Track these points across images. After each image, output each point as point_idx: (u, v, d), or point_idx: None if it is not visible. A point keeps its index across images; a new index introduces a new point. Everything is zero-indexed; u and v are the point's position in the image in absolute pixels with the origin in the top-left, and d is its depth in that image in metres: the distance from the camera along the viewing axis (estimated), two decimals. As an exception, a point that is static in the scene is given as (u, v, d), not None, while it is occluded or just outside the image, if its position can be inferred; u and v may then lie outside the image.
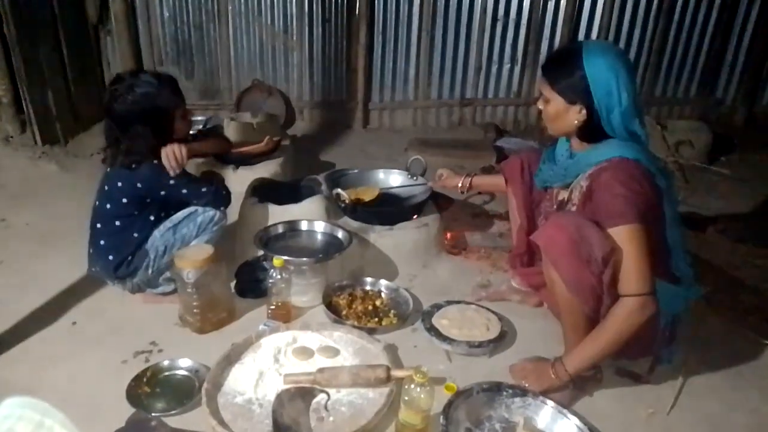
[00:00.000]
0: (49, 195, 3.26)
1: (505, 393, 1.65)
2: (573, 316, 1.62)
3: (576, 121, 1.62)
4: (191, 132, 2.38)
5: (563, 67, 1.61)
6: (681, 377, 1.84)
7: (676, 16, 5.04)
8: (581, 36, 4.98)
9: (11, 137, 3.59)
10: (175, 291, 2.13)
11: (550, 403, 1.60)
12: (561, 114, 1.64)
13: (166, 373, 1.78)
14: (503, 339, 1.96)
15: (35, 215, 2.98)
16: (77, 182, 3.35)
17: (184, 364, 1.80)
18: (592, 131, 1.62)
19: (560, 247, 1.52)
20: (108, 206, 2.08)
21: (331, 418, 1.57)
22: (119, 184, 2.04)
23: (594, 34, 4.96)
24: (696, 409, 1.74)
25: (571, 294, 1.55)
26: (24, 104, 3.56)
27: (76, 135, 4.07)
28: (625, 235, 1.49)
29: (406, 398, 1.48)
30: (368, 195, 2.53)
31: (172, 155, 2.03)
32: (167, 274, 2.15)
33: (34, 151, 3.62)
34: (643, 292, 1.50)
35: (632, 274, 1.50)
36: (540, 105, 1.70)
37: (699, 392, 1.81)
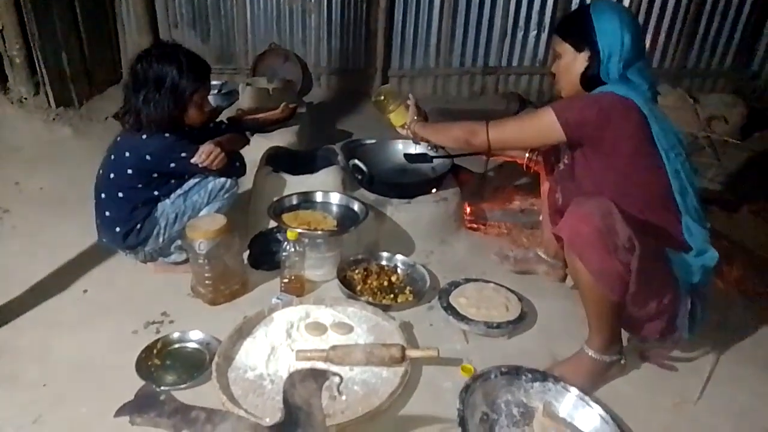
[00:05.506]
0: (63, 159, 3.22)
1: (524, 377, 1.60)
2: (599, 304, 1.55)
3: (582, 69, 1.66)
4: (217, 120, 2.37)
5: (572, 18, 1.73)
6: (709, 365, 1.77)
7: (715, -17, 4.78)
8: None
9: (25, 99, 3.53)
10: (187, 260, 2.09)
11: (573, 390, 1.54)
12: (570, 65, 1.69)
13: (177, 346, 1.75)
14: (523, 320, 1.89)
15: (49, 180, 2.95)
16: (91, 146, 3.30)
17: (195, 337, 1.77)
18: (592, 79, 1.65)
19: (585, 238, 1.47)
20: (111, 176, 2.03)
21: (343, 397, 1.53)
22: (127, 154, 1.99)
23: (626, 0, 4.72)
24: (724, 399, 1.67)
25: (598, 284, 1.49)
26: (37, 65, 3.49)
27: (90, 98, 4.01)
28: (538, 111, 1.66)
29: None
30: (321, 224, 2.14)
31: (210, 155, 1.98)
32: (179, 242, 2.10)
33: (48, 113, 3.57)
34: (487, 127, 1.73)
35: (504, 121, 1.75)
36: (553, 68, 1.77)
37: (728, 381, 1.73)
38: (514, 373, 1.61)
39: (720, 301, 2.05)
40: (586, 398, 1.52)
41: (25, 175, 2.97)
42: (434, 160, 2.38)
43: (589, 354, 1.62)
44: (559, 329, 1.92)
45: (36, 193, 2.83)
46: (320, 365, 1.62)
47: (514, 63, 4.97)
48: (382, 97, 2.08)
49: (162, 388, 1.54)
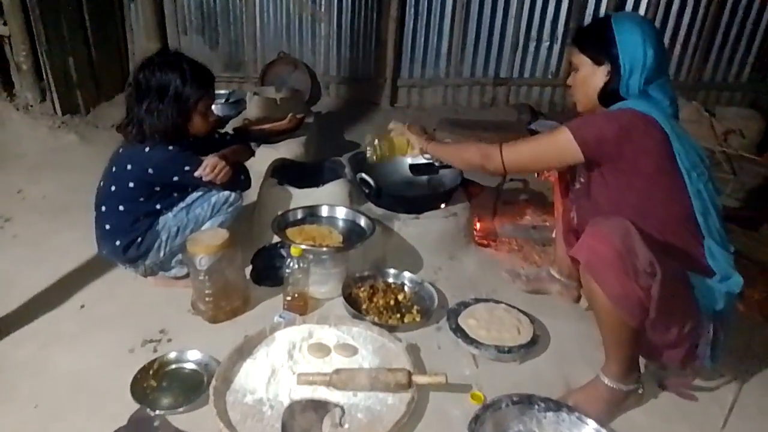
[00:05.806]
0: (68, 167, 3.18)
1: (537, 406, 1.52)
2: (616, 330, 1.47)
3: (601, 83, 1.59)
4: (221, 131, 2.33)
5: (592, 30, 1.65)
6: (732, 395, 1.68)
7: (732, -7, 4.68)
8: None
9: (31, 106, 3.51)
10: (188, 275, 2.03)
11: (590, 422, 1.46)
12: (588, 78, 1.63)
13: (174, 366, 1.68)
14: (535, 344, 1.81)
15: (52, 187, 2.91)
16: (97, 154, 3.24)
17: (193, 357, 1.70)
18: (611, 94, 1.58)
19: (603, 260, 1.39)
20: (113, 188, 1.97)
21: (346, 425, 1.45)
22: (129, 166, 1.93)
23: (641, 11, 4.64)
24: (748, 431, 1.58)
25: (616, 309, 1.41)
26: (44, 71, 3.47)
27: (97, 105, 3.99)
28: (553, 131, 1.59)
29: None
30: (326, 239, 2.08)
31: (215, 168, 1.93)
32: (180, 256, 2.04)
33: (53, 120, 3.54)
34: (501, 151, 1.66)
35: (518, 143, 1.67)
36: (569, 81, 1.71)
37: (751, 411, 1.65)
38: (526, 402, 1.53)
39: (742, 325, 1.96)
40: (603, 430, 1.44)
41: (29, 183, 2.94)
42: (440, 171, 2.31)
43: (605, 382, 1.54)
44: (573, 353, 1.83)
45: (39, 201, 2.79)
46: (322, 390, 1.55)
47: (526, 74, 4.89)
48: (378, 153, 2.09)
49: (157, 412, 1.48)
